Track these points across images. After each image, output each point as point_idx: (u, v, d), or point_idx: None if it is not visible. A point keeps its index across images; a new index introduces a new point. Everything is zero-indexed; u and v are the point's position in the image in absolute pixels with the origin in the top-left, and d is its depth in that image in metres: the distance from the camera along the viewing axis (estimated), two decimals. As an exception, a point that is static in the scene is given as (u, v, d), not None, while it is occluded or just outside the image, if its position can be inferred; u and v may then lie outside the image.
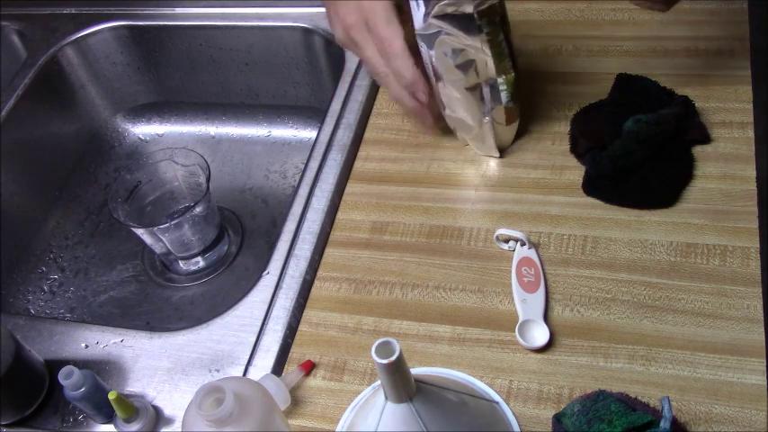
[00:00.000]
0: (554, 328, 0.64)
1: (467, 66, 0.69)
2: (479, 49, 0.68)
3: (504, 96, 0.72)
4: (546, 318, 0.65)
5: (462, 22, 0.67)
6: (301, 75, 1.01)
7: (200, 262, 0.91)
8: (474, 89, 0.71)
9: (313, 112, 1.04)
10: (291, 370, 0.65)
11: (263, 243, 0.94)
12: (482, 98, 0.72)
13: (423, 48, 0.71)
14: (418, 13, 0.69)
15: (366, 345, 0.66)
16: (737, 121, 0.75)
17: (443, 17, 0.67)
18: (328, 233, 0.75)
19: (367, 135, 0.83)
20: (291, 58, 1.00)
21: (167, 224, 0.83)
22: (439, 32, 0.68)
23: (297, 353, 0.67)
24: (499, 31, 0.69)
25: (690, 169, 0.72)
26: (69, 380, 0.61)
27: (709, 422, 0.57)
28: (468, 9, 0.66)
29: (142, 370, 0.68)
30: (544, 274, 0.68)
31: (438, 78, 0.72)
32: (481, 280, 0.69)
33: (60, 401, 0.68)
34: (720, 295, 0.64)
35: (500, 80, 0.71)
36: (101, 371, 0.68)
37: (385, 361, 0.46)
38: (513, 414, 0.60)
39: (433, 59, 0.71)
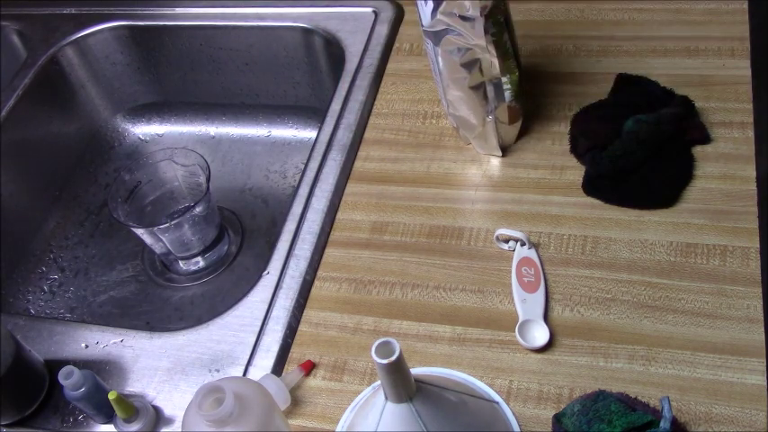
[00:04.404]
0: (554, 328, 0.64)
1: (471, 64, 0.70)
2: (485, 49, 0.68)
3: (507, 95, 0.73)
4: (546, 318, 0.65)
5: (469, 22, 0.67)
6: (301, 75, 1.01)
7: (200, 262, 0.91)
8: (478, 88, 0.71)
9: (313, 112, 1.04)
10: (291, 370, 0.65)
11: (263, 243, 0.94)
12: (485, 97, 0.72)
13: (428, 45, 0.72)
14: (426, 9, 0.69)
15: (366, 345, 0.66)
16: (737, 121, 0.75)
17: (451, 15, 0.67)
18: (328, 233, 0.75)
19: (367, 135, 0.83)
20: (291, 58, 1.00)
21: (167, 224, 0.83)
22: (445, 30, 0.68)
23: (297, 353, 0.67)
24: (504, 31, 0.69)
25: (690, 169, 0.72)
26: (69, 380, 0.61)
27: (709, 422, 0.57)
28: (475, 9, 0.66)
29: (142, 370, 0.68)
30: (544, 274, 0.68)
31: (442, 76, 0.72)
32: (481, 280, 0.69)
33: (60, 401, 0.68)
34: (720, 295, 0.64)
35: (504, 79, 0.71)
36: (101, 371, 0.68)
37: (385, 361, 0.46)
38: (513, 414, 0.60)
39: (439, 57, 0.71)
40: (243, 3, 0.99)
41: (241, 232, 0.95)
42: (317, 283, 0.72)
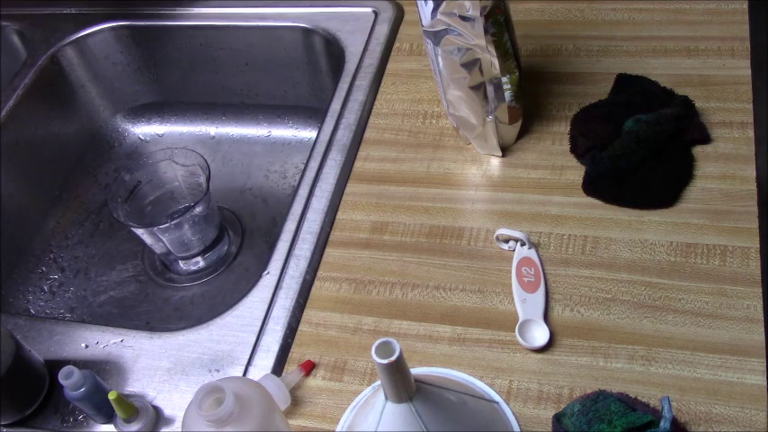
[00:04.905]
0: (554, 328, 0.64)
1: (471, 64, 0.70)
2: (485, 49, 0.68)
3: (507, 95, 0.73)
4: (546, 318, 0.65)
5: (469, 22, 0.67)
6: (301, 75, 1.01)
7: (200, 262, 0.91)
8: (478, 88, 0.71)
9: (313, 112, 1.04)
10: (291, 370, 0.65)
11: (263, 243, 0.94)
12: (485, 97, 0.72)
13: (428, 45, 0.72)
14: (426, 9, 0.69)
15: (366, 345, 0.66)
16: (737, 121, 0.75)
17: (450, 15, 0.67)
18: (328, 233, 0.75)
19: (367, 135, 0.83)
20: (291, 58, 1.00)
21: (167, 224, 0.83)
22: (445, 30, 0.68)
23: (297, 353, 0.67)
24: (504, 31, 0.69)
25: (690, 169, 0.72)
26: (69, 380, 0.61)
27: (709, 422, 0.57)
28: (475, 9, 0.66)
29: (142, 370, 0.68)
30: (544, 274, 0.68)
31: (442, 76, 0.73)
32: (481, 280, 0.69)
33: (60, 401, 0.68)
34: (720, 295, 0.64)
35: (504, 79, 0.71)
36: (101, 371, 0.68)
37: (385, 361, 0.46)
38: (513, 414, 0.60)
39: (439, 57, 0.71)
40: (243, 3, 0.99)
41: (241, 232, 0.95)
42: (317, 283, 0.72)
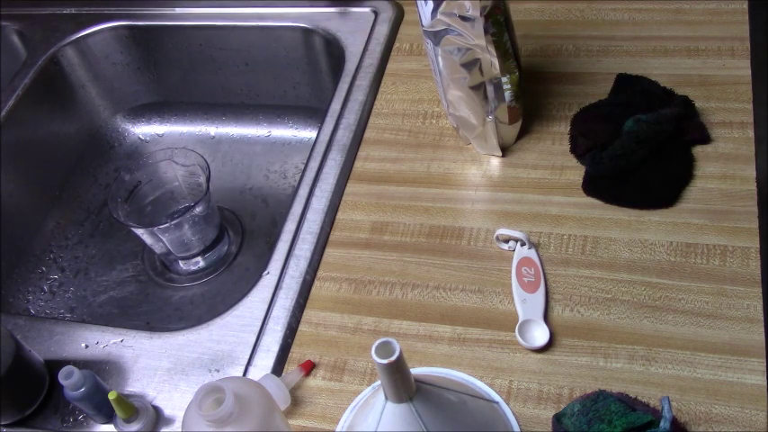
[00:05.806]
0: (554, 328, 0.64)
1: (471, 64, 0.70)
2: (485, 49, 0.68)
3: (507, 95, 0.73)
4: (546, 318, 0.65)
5: (469, 22, 0.67)
6: (301, 75, 1.01)
7: (200, 262, 0.91)
8: (478, 88, 0.71)
9: (313, 112, 1.04)
10: (291, 370, 0.65)
11: (263, 243, 0.94)
12: (485, 97, 0.72)
13: (428, 45, 0.72)
14: (426, 9, 0.69)
15: (366, 345, 0.66)
16: (737, 121, 0.75)
17: (450, 15, 0.67)
18: (328, 233, 0.75)
19: (367, 135, 0.83)
20: (291, 58, 1.00)
21: (167, 224, 0.83)
22: (445, 30, 0.68)
23: (297, 353, 0.67)
24: (504, 31, 0.69)
25: (690, 169, 0.72)
26: (69, 380, 0.61)
27: (709, 422, 0.57)
28: (475, 9, 0.66)
29: (142, 370, 0.68)
30: (544, 274, 0.68)
31: (442, 76, 0.73)
32: (481, 280, 0.69)
33: (60, 401, 0.68)
34: (720, 295, 0.64)
35: (504, 79, 0.71)
36: (101, 371, 0.69)
37: (385, 361, 0.46)
38: (513, 414, 0.60)
39: (439, 57, 0.71)
40: (243, 3, 0.99)
41: (241, 232, 0.95)
42: (317, 283, 0.72)
